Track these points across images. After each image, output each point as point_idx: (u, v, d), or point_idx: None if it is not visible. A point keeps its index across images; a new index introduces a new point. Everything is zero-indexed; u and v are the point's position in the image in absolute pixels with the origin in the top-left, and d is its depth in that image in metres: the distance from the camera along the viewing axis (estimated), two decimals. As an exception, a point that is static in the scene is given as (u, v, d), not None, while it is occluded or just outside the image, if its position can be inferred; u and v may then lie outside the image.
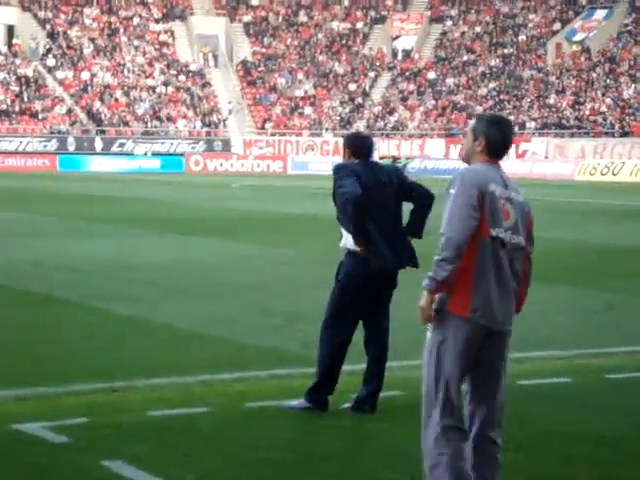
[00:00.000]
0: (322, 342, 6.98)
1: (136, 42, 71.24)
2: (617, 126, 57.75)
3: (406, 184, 7.08)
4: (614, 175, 51.31)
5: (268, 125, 67.49)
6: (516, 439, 6.27)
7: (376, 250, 6.81)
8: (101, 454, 5.87)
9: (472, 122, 5.03)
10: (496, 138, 4.91)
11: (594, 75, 63.93)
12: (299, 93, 70.47)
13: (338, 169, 6.90)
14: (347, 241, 6.90)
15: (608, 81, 62.59)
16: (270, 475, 5.64)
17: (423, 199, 7.11)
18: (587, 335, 9.80)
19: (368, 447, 6.16)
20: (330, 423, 6.65)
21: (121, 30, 71.65)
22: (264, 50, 73.86)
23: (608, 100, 60.44)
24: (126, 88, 66.75)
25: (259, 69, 72.16)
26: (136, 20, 72.83)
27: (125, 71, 68.34)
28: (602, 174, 51.81)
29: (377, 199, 6.83)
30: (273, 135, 66.04)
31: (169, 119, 65.40)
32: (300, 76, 72.01)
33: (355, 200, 6.67)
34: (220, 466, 5.75)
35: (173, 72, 69.65)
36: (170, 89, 67.94)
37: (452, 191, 4.76)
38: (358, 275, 6.84)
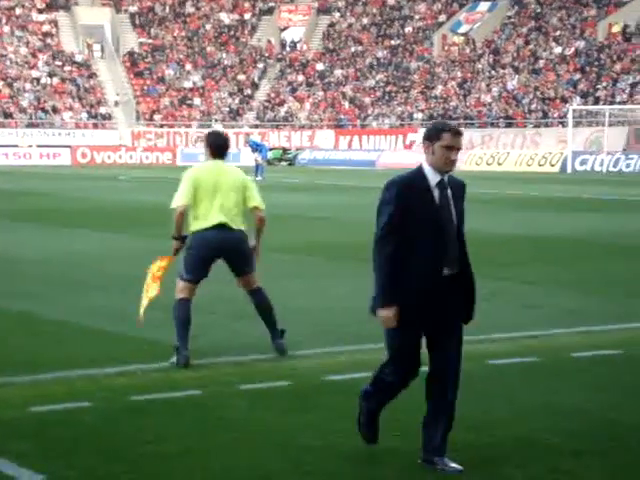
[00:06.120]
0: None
1: (19, 33, 69.77)
2: (501, 117, 58.85)
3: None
4: (499, 165, 52.29)
5: (157, 117, 66.87)
6: (400, 427, 6.34)
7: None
8: (-19, 452, 5.75)
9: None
10: None
11: (479, 66, 65.01)
12: (187, 84, 69.98)
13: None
14: None
15: (492, 72, 63.72)
16: (155, 469, 5.59)
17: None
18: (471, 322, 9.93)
19: (256, 438, 6.15)
20: (218, 414, 6.63)
21: (3, 20, 70.09)
22: (151, 41, 73.12)
23: (493, 91, 61.54)
24: (9, 79, 65.32)
25: (146, 60, 71.42)
26: (18, 10, 71.32)
27: (7, 62, 66.86)
28: (488, 164, 52.75)
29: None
30: (162, 127, 65.47)
31: (54, 111, 64.26)
32: (188, 67, 71.52)
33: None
34: (104, 461, 5.68)
35: (58, 63, 68.45)
36: (55, 80, 66.75)
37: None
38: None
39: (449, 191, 5.53)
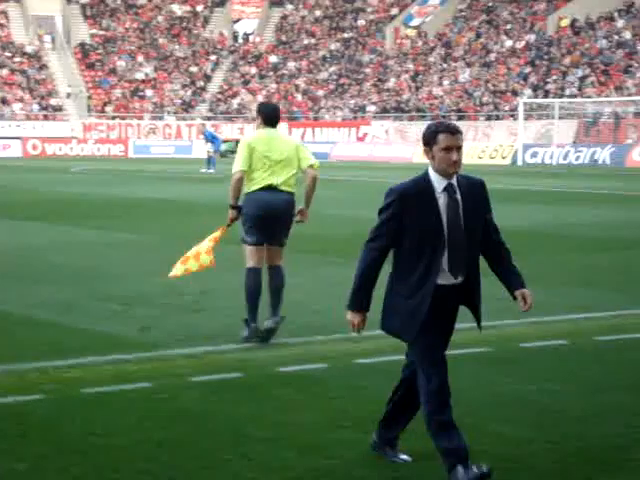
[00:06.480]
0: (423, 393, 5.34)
1: (-32, 23, 68.95)
2: (453, 109, 59.13)
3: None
4: (451, 157, 52.57)
5: (108, 108, 66.40)
6: (361, 419, 6.39)
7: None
8: None
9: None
10: None
11: (431, 59, 65.28)
12: (139, 76, 69.54)
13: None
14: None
15: (444, 65, 64.01)
16: (106, 461, 5.58)
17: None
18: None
19: (207, 430, 6.16)
20: (169, 407, 6.62)
21: (-48, 10, 69.23)
22: (102, 32, 72.54)
23: (445, 84, 61.83)
24: (-42, 70, 64.56)
25: (98, 51, 70.86)
26: (-32, 0, 70.50)
27: (-43, 53, 66.08)
28: (440, 156, 52.98)
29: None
30: (114, 118, 65.02)
31: (4, 102, 63.56)
32: (140, 59, 71.06)
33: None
34: (54, 453, 5.66)
35: (8, 54, 67.70)
36: (5, 71, 66.03)
37: None
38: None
39: (458, 195, 5.15)
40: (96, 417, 6.35)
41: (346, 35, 71.66)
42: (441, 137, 5.11)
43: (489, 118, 57.08)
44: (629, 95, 52.85)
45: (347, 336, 8.84)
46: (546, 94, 56.29)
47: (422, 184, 5.16)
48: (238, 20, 76.99)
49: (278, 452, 5.72)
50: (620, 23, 59.72)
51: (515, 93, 57.45)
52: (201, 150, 53.46)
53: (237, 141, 61.20)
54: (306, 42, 72.44)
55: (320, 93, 66.94)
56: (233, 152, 64.42)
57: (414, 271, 5.14)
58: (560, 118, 50.83)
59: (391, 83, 64.67)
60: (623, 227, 18.75)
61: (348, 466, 5.53)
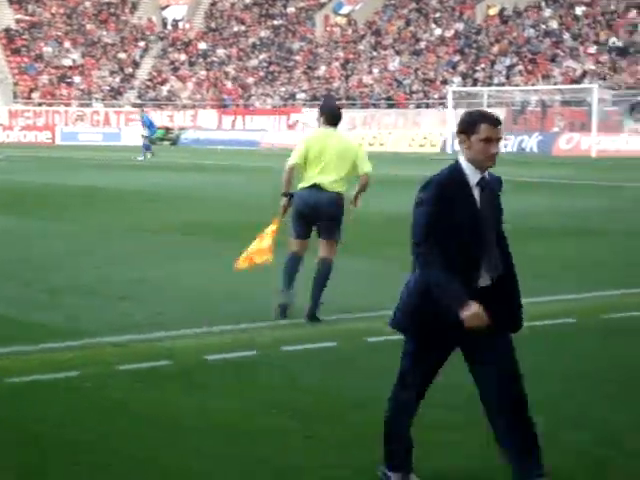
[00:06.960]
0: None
1: None
2: (383, 98, 59.39)
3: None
4: (381, 145, 52.81)
5: (35, 95, 65.51)
6: (290, 406, 6.39)
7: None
8: None
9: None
10: None
11: (361, 47, 65.43)
12: (67, 62, 68.69)
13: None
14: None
15: (374, 53, 64.21)
16: (40, 452, 5.53)
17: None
18: (353, 299, 10.04)
19: (134, 418, 6.13)
20: (96, 395, 6.57)
21: None
22: (28, 17, 71.48)
23: (375, 72, 62.05)
24: None
25: (24, 37, 69.82)
26: None
27: None
28: (370, 144, 53.20)
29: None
30: (40, 105, 64.16)
31: None
32: (67, 45, 70.18)
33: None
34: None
35: None
36: None
37: None
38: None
39: (489, 190, 4.83)
40: (23, 406, 6.28)
41: (276, 22, 71.50)
42: (483, 127, 4.73)
43: (419, 106, 57.42)
44: (555, 84, 53.56)
45: (275, 323, 8.88)
46: (475, 82, 56.78)
47: (457, 175, 4.77)
48: (167, 6, 76.41)
49: (207, 439, 5.71)
50: (547, 12, 60.44)
51: (444, 81, 57.86)
52: (130, 138, 52.99)
53: (166, 128, 60.92)
54: (236, 29, 72.14)
55: (250, 80, 66.75)
56: (162, 140, 63.76)
57: (453, 270, 4.70)
58: (489, 106, 51.27)
59: (321, 71, 64.71)
60: (548, 213, 19.03)
61: (279, 453, 5.53)
